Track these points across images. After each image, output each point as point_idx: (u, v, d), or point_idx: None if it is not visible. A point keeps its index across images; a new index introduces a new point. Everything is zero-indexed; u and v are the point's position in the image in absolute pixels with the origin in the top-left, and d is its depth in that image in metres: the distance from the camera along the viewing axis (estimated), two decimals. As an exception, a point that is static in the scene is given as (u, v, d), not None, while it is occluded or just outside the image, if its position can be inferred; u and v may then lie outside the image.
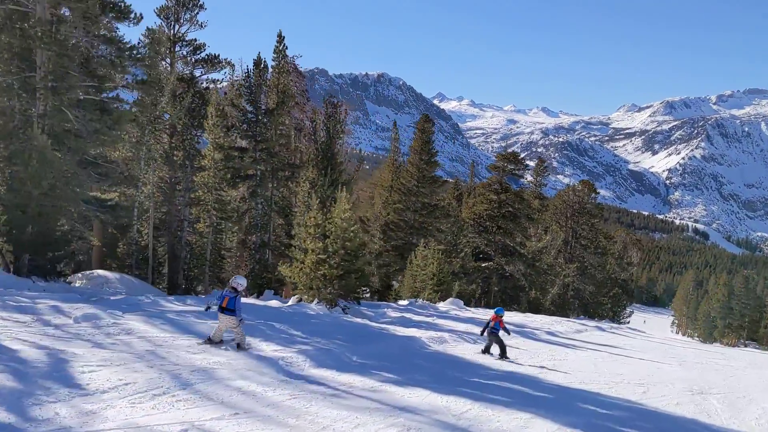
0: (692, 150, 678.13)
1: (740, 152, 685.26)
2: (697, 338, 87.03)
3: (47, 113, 19.08)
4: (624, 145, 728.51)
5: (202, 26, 32.79)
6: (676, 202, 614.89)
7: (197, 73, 32.92)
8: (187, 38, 32.35)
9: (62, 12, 19.19)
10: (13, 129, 18.66)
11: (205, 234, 32.38)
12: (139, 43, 21.01)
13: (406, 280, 37.19)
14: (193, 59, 32.86)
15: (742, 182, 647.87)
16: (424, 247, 35.91)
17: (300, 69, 36.51)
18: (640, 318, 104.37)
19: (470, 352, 14.73)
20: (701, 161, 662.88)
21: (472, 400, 8.89)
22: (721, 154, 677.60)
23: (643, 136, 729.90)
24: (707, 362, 23.12)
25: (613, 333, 34.14)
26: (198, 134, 31.29)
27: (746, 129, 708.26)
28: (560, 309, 52.10)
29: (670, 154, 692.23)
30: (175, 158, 30.68)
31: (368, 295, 37.96)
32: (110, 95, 21.49)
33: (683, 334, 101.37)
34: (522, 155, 55.53)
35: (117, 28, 22.97)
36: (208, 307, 10.57)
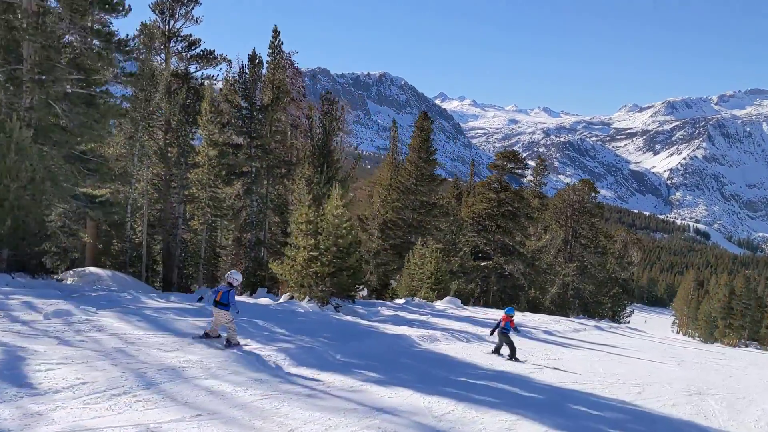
0: (694, 150, 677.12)
1: (742, 152, 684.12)
2: (697, 338, 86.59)
3: (33, 106, 18.70)
4: (625, 145, 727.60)
5: (197, 22, 32.40)
6: (677, 203, 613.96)
7: (192, 69, 32.53)
8: (182, 34, 31.95)
9: (48, 3, 18.80)
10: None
11: (200, 232, 32.02)
12: (127, 36, 20.58)
13: (403, 278, 36.85)
14: (188, 55, 32.48)
15: (744, 182, 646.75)
16: (422, 245, 35.52)
17: (296, 65, 36.07)
18: (641, 318, 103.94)
19: (461, 350, 14.33)
20: (702, 161, 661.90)
21: (457, 400, 8.50)
22: (723, 155, 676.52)
23: (644, 137, 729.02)
24: (707, 362, 22.71)
25: (612, 332, 33.73)
26: (192, 131, 30.92)
27: (748, 129, 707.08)
28: (560, 308, 51.71)
29: (671, 155, 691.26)
30: (169, 155, 30.34)
31: (365, 293, 37.60)
32: (100, 90, 21.12)
33: (684, 334, 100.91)
34: (523, 155, 55.12)
35: (110, 23, 22.65)
36: (201, 298, 10.72)
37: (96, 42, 19.86)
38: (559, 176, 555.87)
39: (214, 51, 32.72)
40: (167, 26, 31.32)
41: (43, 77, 18.79)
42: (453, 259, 43.78)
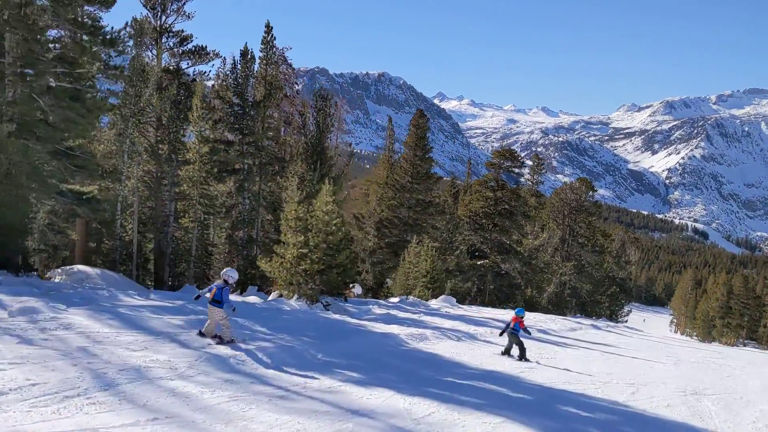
0: (692, 150, 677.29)
1: (740, 152, 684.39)
2: (695, 337, 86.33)
3: (16, 100, 18.27)
4: (624, 144, 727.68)
5: (189, 17, 32.00)
6: (675, 202, 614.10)
7: (184, 65, 32.14)
8: (173, 29, 31.57)
9: (31, -6, 18.35)
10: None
11: (191, 229, 31.61)
12: (112, 28, 20.15)
13: (398, 277, 36.47)
14: (179, 51, 32.09)
15: (742, 182, 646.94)
16: (417, 244, 35.15)
17: (289, 61, 35.63)
18: (639, 317, 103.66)
19: (451, 349, 13.92)
20: (701, 161, 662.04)
21: (439, 401, 8.10)
22: (721, 154, 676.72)
23: (642, 136, 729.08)
24: (704, 361, 22.32)
25: (609, 331, 33.34)
26: (184, 127, 30.52)
27: (746, 129, 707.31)
28: (557, 307, 51.33)
29: (669, 154, 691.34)
30: (160, 152, 29.94)
31: (360, 291, 37.19)
32: (87, 84, 20.70)
33: (682, 333, 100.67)
34: (522, 155, 54.69)
35: (100, 18, 22.23)
36: (198, 297, 10.57)
37: (78, 34, 19.46)
38: (558, 176, 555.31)
39: (206, 47, 32.36)
40: (159, 21, 30.95)
41: (26, 71, 18.39)
42: (449, 258, 43.40)
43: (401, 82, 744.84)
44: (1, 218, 15.86)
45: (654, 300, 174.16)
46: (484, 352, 14.35)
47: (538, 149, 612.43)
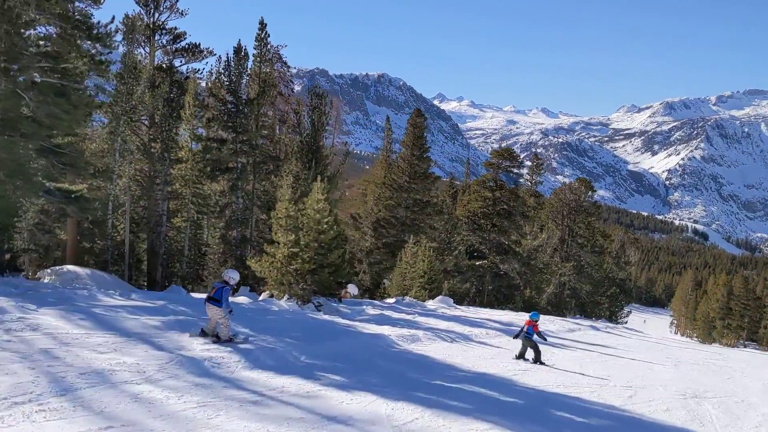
0: (692, 151, 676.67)
1: (740, 153, 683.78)
2: (695, 338, 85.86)
3: (-1, 96, 17.82)
4: (623, 145, 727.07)
5: (182, 14, 31.61)
6: (675, 203, 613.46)
7: (177, 62, 31.72)
8: (167, 26, 31.17)
9: (14, -13, 17.90)
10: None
11: (183, 229, 31.17)
12: (99, 22, 19.69)
13: (395, 277, 36.06)
14: (172, 48, 31.66)
15: (742, 183, 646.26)
16: (414, 244, 34.73)
17: (284, 59, 35.21)
18: (639, 318, 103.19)
19: (443, 351, 13.48)
20: (701, 162, 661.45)
21: (425, 406, 7.65)
22: (721, 155, 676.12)
23: (642, 137, 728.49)
24: (704, 363, 21.87)
25: (608, 332, 32.90)
26: (176, 125, 30.11)
27: (746, 130, 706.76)
28: (557, 308, 50.90)
29: (669, 155, 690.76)
30: (153, 150, 29.54)
31: (356, 292, 36.75)
32: (74, 81, 20.26)
33: (682, 335, 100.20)
34: (522, 156, 54.29)
35: (92, 15, 21.80)
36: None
37: (67, 29, 19.01)
38: (558, 177, 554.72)
39: (199, 44, 31.95)
40: (152, 19, 30.52)
41: (9, 65, 17.95)
42: (447, 258, 43.04)
43: (401, 83, 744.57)
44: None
45: (654, 301, 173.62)
46: (477, 354, 13.90)
47: (538, 150, 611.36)
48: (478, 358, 13.23)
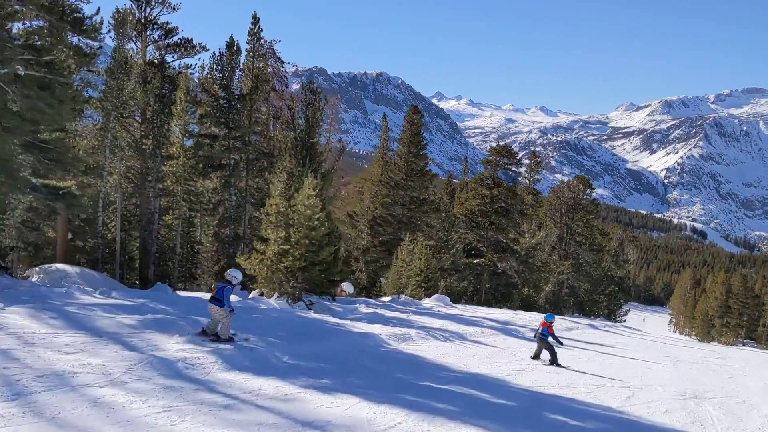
0: (690, 149, 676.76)
1: (738, 151, 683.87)
2: (694, 337, 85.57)
3: (-19, 89, 17.37)
4: (622, 144, 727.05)
5: (174, 9, 31.20)
6: (674, 201, 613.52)
7: (169, 58, 31.31)
8: (158, 21, 30.76)
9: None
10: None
11: (175, 227, 30.74)
12: (83, 13, 19.21)
13: (390, 276, 35.67)
14: (164, 43, 31.23)
15: (740, 181, 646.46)
16: (411, 242, 34.33)
17: (278, 54, 34.75)
18: (638, 316, 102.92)
19: (435, 350, 13.04)
20: (699, 160, 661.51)
21: (410, 410, 7.22)
22: (720, 153, 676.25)
23: (641, 135, 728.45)
24: (703, 362, 21.47)
25: (606, 331, 32.52)
26: (168, 122, 29.69)
27: (744, 128, 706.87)
28: (555, 307, 50.49)
29: (668, 153, 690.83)
30: (144, 147, 29.11)
31: (351, 290, 36.35)
32: (62, 75, 19.80)
33: (681, 333, 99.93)
34: (520, 154, 53.87)
35: (81, 8, 21.33)
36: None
37: (51, 21, 18.57)
38: (556, 175, 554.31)
39: (192, 39, 31.56)
40: (143, 13, 30.12)
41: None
42: (445, 256, 42.67)
43: (399, 81, 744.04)
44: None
45: (653, 299, 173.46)
46: (470, 353, 13.47)
47: (537, 149, 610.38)
48: (472, 358, 12.80)
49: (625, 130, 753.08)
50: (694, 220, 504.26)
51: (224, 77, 30.83)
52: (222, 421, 5.99)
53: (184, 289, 31.27)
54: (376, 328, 14.33)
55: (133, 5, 29.76)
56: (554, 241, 54.41)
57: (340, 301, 23.57)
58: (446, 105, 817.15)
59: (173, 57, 31.24)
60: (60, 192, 22.29)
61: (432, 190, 45.92)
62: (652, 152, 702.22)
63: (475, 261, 45.96)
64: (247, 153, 31.42)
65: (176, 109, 28.27)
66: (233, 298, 19.48)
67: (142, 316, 10.20)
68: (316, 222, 18.12)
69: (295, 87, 36.54)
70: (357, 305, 21.77)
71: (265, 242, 19.42)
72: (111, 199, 28.69)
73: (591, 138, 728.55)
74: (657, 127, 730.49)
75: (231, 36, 31.42)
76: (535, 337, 14.46)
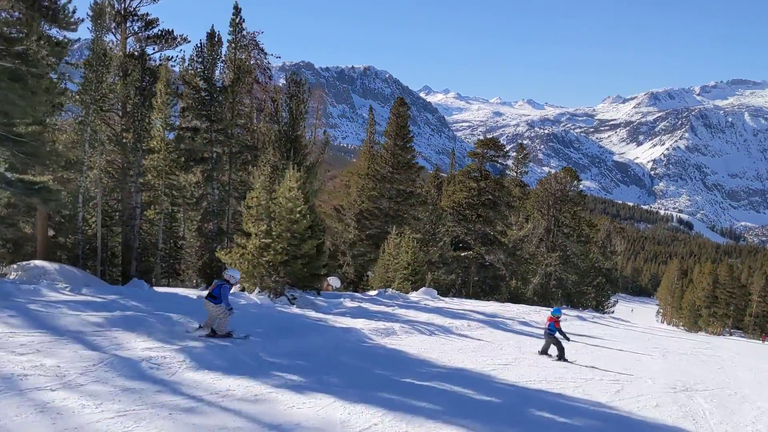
0: (676, 141, 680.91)
1: (724, 143, 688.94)
2: (682, 327, 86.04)
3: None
4: (609, 136, 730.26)
5: (155, 0, 30.49)
6: (660, 193, 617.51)
7: (150, 50, 30.66)
8: (138, 13, 30.12)
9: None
10: None
11: (156, 221, 30.19)
12: (58, 2, 18.58)
13: (377, 269, 35.29)
14: (144, 35, 30.57)
15: (726, 172, 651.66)
16: (397, 235, 33.96)
17: (261, 45, 34.16)
18: (626, 308, 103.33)
19: (419, 345, 12.64)
20: (685, 152, 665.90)
21: (387, 409, 6.82)
22: (705, 145, 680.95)
23: (627, 128, 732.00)
24: (692, 353, 21.28)
25: (595, 322, 32.33)
26: (149, 115, 29.09)
27: (730, 119, 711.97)
28: (543, 299, 50.42)
29: (654, 145, 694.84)
30: (125, 141, 28.50)
31: (338, 284, 35.95)
32: (38, 66, 19.18)
33: (668, 323, 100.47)
34: (508, 147, 53.62)
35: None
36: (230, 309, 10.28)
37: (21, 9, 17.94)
38: (544, 168, 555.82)
39: (172, 31, 30.93)
40: (123, 5, 29.46)
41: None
42: (432, 249, 42.38)
43: (387, 75, 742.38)
44: None
45: (640, 290, 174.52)
46: (456, 347, 13.09)
47: (524, 142, 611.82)
48: (457, 352, 12.43)
49: (612, 122, 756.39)
50: (680, 211, 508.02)
51: (205, 69, 30.23)
52: (181, 425, 5.55)
53: (168, 285, 30.75)
54: (359, 323, 13.91)
55: (113, -4, 29.13)
56: (542, 233, 54.28)
57: (325, 295, 23.15)
58: (434, 99, 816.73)
59: (154, 49, 30.61)
60: (36, 187, 21.70)
61: (419, 183, 45.58)
62: (639, 144, 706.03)
63: (462, 254, 45.72)
64: (229, 146, 30.87)
65: (157, 101, 27.69)
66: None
67: (110, 313, 9.72)
68: (298, 215, 17.66)
69: (282, 82, 35.86)
70: (342, 299, 21.36)
71: (246, 236, 18.96)
72: (91, 195, 28.09)
73: (578, 130, 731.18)
74: (643, 119, 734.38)
75: (212, 27, 30.80)
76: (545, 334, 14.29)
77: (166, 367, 7.47)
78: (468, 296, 41.94)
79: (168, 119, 28.34)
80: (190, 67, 30.45)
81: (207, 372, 7.62)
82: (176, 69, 31.34)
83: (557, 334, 13.86)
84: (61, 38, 22.74)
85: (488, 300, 40.70)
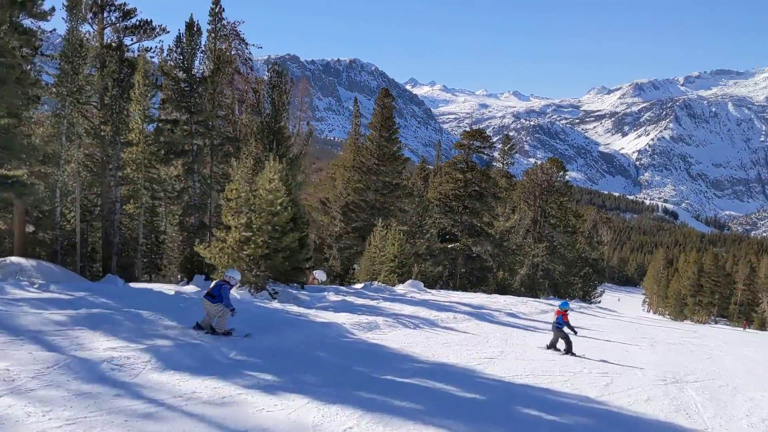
0: (661, 131, 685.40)
1: (708, 132, 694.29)
2: (668, 316, 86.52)
3: None
4: (594, 127, 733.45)
5: (132, -11, 29.70)
6: (646, 183, 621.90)
7: (128, 41, 29.92)
8: (116, 2, 29.39)
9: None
10: None
11: (136, 216, 29.55)
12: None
13: (363, 262, 34.92)
14: (122, 25, 29.83)
15: (710, 162, 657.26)
16: (384, 227, 33.58)
17: (242, 35, 33.48)
18: (612, 297, 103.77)
19: (402, 339, 12.24)
20: (670, 142, 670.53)
21: (365, 410, 6.40)
22: (689, 135, 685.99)
23: (613, 118, 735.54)
24: (680, 342, 21.10)
25: (582, 313, 32.17)
26: (128, 107, 28.41)
27: (713, 109, 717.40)
28: (530, 290, 50.32)
29: (639, 136, 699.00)
30: (103, 133, 27.82)
31: (324, 278, 35.52)
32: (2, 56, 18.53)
33: (654, 312, 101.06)
34: (494, 139, 53.36)
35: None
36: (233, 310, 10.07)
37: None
38: (530, 159, 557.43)
39: (151, 21, 30.20)
40: (100, -6, 28.70)
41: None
42: (419, 242, 42.06)
43: (373, 68, 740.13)
44: None
45: (627, 280, 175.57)
46: (440, 341, 12.71)
47: (511, 133, 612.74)
48: (442, 346, 12.04)
49: (597, 113, 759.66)
50: (665, 201, 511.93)
51: (184, 59, 29.51)
52: (137, 434, 5.11)
53: (150, 281, 30.14)
54: (341, 317, 13.48)
55: (89, -15, 28.33)
56: (528, 223, 54.15)
57: (310, 289, 22.72)
58: (420, 91, 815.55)
59: (132, 40, 29.89)
60: (9, 181, 21.09)
61: (405, 174, 45.19)
62: (624, 135, 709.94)
63: (449, 245, 45.45)
64: (210, 138, 30.22)
65: (135, 93, 27.02)
66: (192, 289, 18.54)
67: (75, 311, 9.22)
68: (278, 207, 17.17)
69: (251, 63, 35.18)
70: (326, 293, 20.94)
71: (227, 229, 18.46)
72: (69, 189, 27.44)
73: (564, 122, 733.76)
74: (628, 110, 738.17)
75: (191, 16, 30.09)
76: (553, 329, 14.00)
77: (128, 369, 6.99)
78: (455, 288, 41.70)
79: (147, 111, 27.66)
80: (169, 58, 29.74)
81: (173, 373, 7.14)
82: (155, 60, 30.63)
83: (565, 328, 13.60)
84: (30, 27, 22.11)
85: (475, 291, 40.47)
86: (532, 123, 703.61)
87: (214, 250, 17.43)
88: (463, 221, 45.92)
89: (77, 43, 26.18)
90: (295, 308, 14.59)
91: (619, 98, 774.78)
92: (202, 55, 30.47)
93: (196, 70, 30.13)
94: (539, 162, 64.25)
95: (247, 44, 33.96)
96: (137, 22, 29.56)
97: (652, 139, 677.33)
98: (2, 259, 24.09)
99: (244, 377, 7.37)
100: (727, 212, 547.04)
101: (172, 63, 29.83)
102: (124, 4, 29.20)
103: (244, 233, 17.14)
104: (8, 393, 5.67)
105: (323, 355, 9.45)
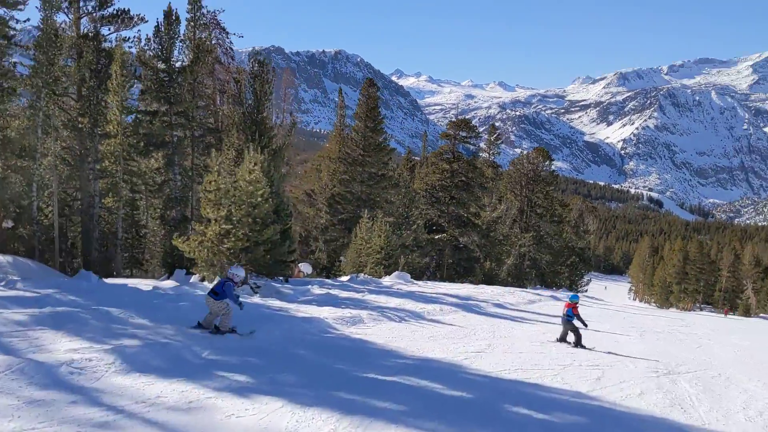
0: (645, 120, 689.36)
1: (692, 121, 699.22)
2: (654, 304, 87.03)
3: None
4: (579, 117, 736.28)
5: (109, -23, 29.02)
6: (631, 172, 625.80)
7: (105, 31, 29.22)
8: (91, -9, 28.65)
9: None
10: None
11: (115, 209, 28.92)
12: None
13: (349, 254, 34.49)
14: (98, 15, 29.10)
15: (694, 150, 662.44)
16: (370, 219, 33.15)
17: (222, 24, 32.81)
18: (599, 286, 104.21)
19: (387, 333, 11.84)
20: (654, 131, 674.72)
21: (343, 412, 5.99)
22: (674, 124, 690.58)
23: (597, 108, 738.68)
24: (669, 331, 20.92)
25: (569, 303, 31.94)
26: (106, 99, 27.74)
27: (697, 98, 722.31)
28: (517, 280, 50.15)
29: (624, 125, 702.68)
30: (80, 126, 27.13)
31: (309, 271, 35.06)
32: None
33: (640, 301, 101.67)
34: (480, 130, 52.94)
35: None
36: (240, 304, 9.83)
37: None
38: (516, 150, 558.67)
39: (128, 11, 29.56)
40: (75, -17, 27.95)
41: None
42: (406, 233, 41.67)
43: (358, 59, 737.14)
44: None
45: (613, 269, 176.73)
46: (426, 334, 12.33)
47: (496, 124, 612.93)
48: (427, 340, 11.66)
49: (582, 103, 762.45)
50: (650, 189, 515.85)
51: (163, 49, 28.83)
52: (86, 448, 4.65)
53: (131, 276, 29.54)
54: (324, 311, 13.06)
55: (64, -26, 27.59)
56: (515, 213, 54.00)
57: (294, 282, 22.27)
58: (406, 82, 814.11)
59: (109, 30, 29.23)
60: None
61: (391, 165, 44.75)
62: (609, 124, 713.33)
63: (436, 236, 45.14)
64: (191, 129, 29.61)
65: (112, 83, 26.33)
66: (170, 284, 18.03)
67: (38, 309, 8.71)
68: (259, 199, 16.69)
69: (232, 53, 34.54)
70: (310, 286, 20.48)
71: (207, 222, 17.96)
72: (46, 183, 26.77)
73: (549, 112, 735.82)
74: (613, 99, 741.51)
75: (169, 4, 29.35)
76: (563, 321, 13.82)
77: (89, 372, 6.51)
78: (442, 279, 41.42)
79: (125, 102, 26.99)
80: (147, 48, 29.04)
81: (139, 375, 6.67)
82: (133, 50, 29.91)
83: (575, 321, 13.38)
84: (2, 16, 21.42)
85: (462, 282, 40.21)
86: (517, 113, 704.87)
87: (194, 243, 16.92)
88: (449, 212, 45.63)
89: (52, 32, 25.45)
90: (276, 303, 14.14)
91: (604, 88, 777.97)
92: (181, 44, 29.82)
93: (175, 60, 29.47)
94: (525, 152, 64.08)
95: (227, 33, 33.38)
96: (114, 12, 28.94)
97: (637, 128, 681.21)
98: (-22, 255, 23.40)
99: (216, 379, 6.92)
100: (711, 200, 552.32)
101: (150, 53, 29.15)
102: (101, -8, 28.52)
103: (224, 226, 16.65)
104: (-48, 402, 5.19)
105: (303, 353, 9.01)
